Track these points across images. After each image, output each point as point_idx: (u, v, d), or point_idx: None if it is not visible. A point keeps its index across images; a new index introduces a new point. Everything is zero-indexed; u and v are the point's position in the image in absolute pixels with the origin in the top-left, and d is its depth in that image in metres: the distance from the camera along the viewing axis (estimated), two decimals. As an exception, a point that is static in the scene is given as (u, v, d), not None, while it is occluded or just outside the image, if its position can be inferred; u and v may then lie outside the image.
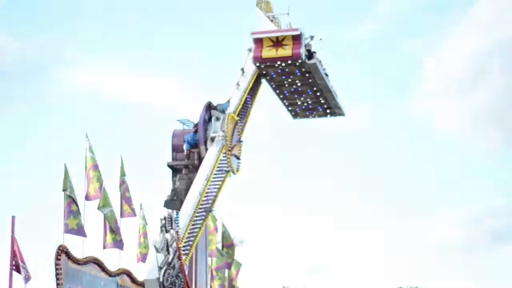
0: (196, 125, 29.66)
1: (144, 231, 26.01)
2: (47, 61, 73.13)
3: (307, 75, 32.07)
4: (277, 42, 30.97)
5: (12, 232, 7.30)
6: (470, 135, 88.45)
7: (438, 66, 78.26)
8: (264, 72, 31.85)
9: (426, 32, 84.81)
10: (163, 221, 23.05)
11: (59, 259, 20.34)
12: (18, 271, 9.18)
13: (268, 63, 31.24)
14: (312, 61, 31.43)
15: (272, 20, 32.70)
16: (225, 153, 29.05)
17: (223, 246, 34.11)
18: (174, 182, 28.90)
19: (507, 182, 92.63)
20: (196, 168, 28.95)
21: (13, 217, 9.17)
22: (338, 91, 34.38)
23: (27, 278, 7.75)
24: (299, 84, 32.78)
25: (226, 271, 34.42)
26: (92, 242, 23.76)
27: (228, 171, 29.47)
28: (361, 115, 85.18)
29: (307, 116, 36.20)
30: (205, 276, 28.99)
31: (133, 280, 24.79)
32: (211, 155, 28.58)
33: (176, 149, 29.57)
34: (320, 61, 32.21)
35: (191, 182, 28.61)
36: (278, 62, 31.05)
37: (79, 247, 22.39)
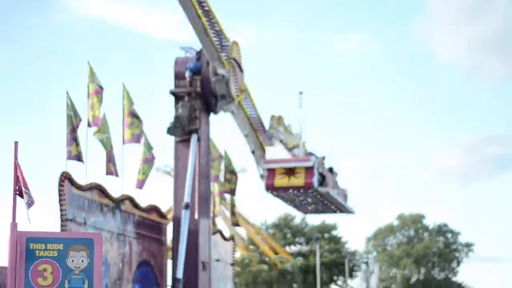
0: (198, 52, 29.54)
1: (145, 157, 26.00)
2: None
3: (318, 196, 33.33)
4: (290, 170, 31.84)
5: (15, 157, 7.29)
6: (471, 63, 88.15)
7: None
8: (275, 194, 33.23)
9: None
10: None
11: (63, 185, 20.51)
12: (22, 196, 9.19)
13: (280, 191, 32.53)
14: (324, 190, 32.41)
15: (285, 144, 33.03)
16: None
17: (226, 173, 34.25)
18: (176, 109, 28.93)
19: (508, 110, 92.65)
20: (198, 95, 28.96)
21: (16, 143, 9.15)
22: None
23: (29, 203, 7.77)
24: (309, 201, 34.22)
25: (229, 197, 34.64)
26: (95, 169, 23.86)
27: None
28: (363, 42, 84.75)
29: (316, 213, 38.32)
30: (208, 202, 29.28)
31: (136, 205, 24.97)
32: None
33: (178, 76, 29.50)
34: (335, 181, 34.15)
35: (194, 109, 28.69)
36: (290, 190, 32.21)
37: (82, 174, 22.51)
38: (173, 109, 29.05)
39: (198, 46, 29.51)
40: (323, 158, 33.10)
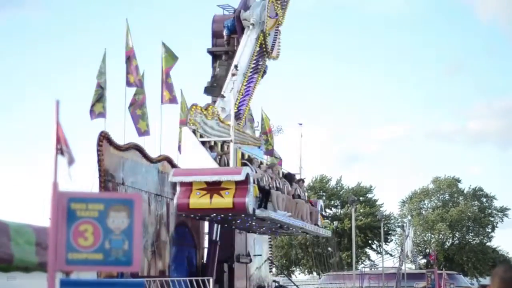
0: (235, 10, 29.14)
1: (183, 119, 25.82)
2: None
3: (262, 220, 24.05)
4: (213, 184, 21.62)
5: (57, 117, 7.20)
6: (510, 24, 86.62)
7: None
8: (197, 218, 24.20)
9: None
10: None
11: (101, 145, 20.37)
12: (63, 154, 9.26)
13: (199, 215, 23.08)
14: (264, 214, 22.82)
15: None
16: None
17: (261, 133, 33.93)
18: (214, 68, 28.63)
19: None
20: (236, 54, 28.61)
21: (57, 101, 9.11)
22: None
23: (70, 162, 7.72)
24: (253, 224, 25.08)
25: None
26: (133, 130, 23.70)
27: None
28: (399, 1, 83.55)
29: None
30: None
31: (174, 166, 24.80)
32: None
33: (216, 35, 29.16)
34: (296, 194, 25.74)
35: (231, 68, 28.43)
36: (213, 214, 22.83)
37: (121, 134, 22.37)
38: (211, 68, 28.78)
39: (235, 3, 29.13)
40: (272, 166, 25.79)
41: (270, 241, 34.55)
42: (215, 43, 29.19)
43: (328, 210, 75.45)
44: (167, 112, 25.82)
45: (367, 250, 75.96)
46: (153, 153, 23.67)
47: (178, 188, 21.83)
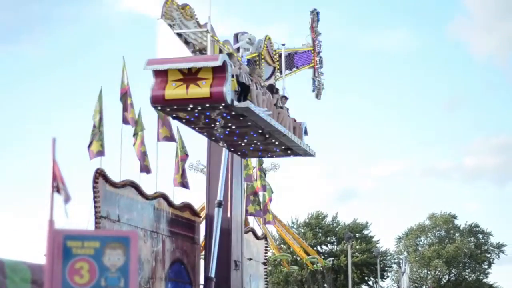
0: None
1: (181, 155, 25.96)
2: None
3: (241, 118, 21.33)
4: (189, 75, 19.88)
5: (53, 154, 7.23)
6: (507, 60, 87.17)
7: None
8: (173, 116, 21.42)
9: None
10: None
11: (97, 182, 20.46)
12: (59, 192, 9.25)
13: (174, 106, 20.40)
14: (243, 105, 20.42)
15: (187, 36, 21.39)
16: None
17: (257, 170, 34.06)
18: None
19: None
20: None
21: (53, 139, 9.11)
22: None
23: (66, 200, 7.75)
24: (233, 127, 22.29)
25: (261, 194, 34.43)
26: (129, 167, 23.83)
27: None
28: (395, 37, 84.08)
29: (262, 157, 28.25)
30: (240, 200, 29.07)
31: (170, 203, 24.88)
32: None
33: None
34: (278, 106, 23.29)
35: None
36: (190, 106, 20.24)
37: (116, 171, 22.48)
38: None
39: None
40: (254, 63, 24.29)
41: (266, 278, 34.51)
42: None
43: (324, 247, 75.31)
44: (162, 150, 25.93)
45: (363, 286, 75.76)
46: (149, 190, 23.76)
47: (153, 80, 19.82)
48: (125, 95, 23.94)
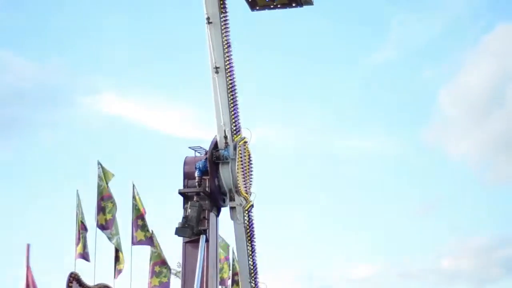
0: (207, 152, 29.62)
1: (156, 261, 25.94)
2: (63, 86, 73.45)
3: None
4: None
5: (27, 260, 7.26)
6: (483, 163, 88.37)
7: (452, 94, 78.38)
8: None
9: (441, 60, 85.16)
10: None
11: (71, 286, 20.37)
12: None
13: None
14: None
15: None
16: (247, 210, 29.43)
17: (233, 274, 34.01)
18: (185, 209, 28.84)
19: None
20: (207, 195, 28.90)
21: (28, 245, 9.15)
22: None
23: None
24: None
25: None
26: (104, 270, 23.74)
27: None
28: (372, 141, 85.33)
29: (268, 6, 29.75)
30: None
31: (144, 307, 24.73)
32: (240, 234, 29.41)
33: (187, 176, 29.52)
34: None
35: (203, 210, 28.60)
36: None
37: (90, 274, 22.39)
38: (182, 209, 29.02)
39: (207, 145, 29.66)
40: None
41: None
42: (187, 184, 29.48)
43: None
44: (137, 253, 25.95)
45: None
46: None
47: None
48: (102, 199, 24.06)
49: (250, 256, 29.17)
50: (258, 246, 34.50)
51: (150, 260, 26.65)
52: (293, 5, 28.68)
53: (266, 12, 29.38)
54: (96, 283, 22.09)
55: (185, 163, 29.86)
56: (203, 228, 28.60)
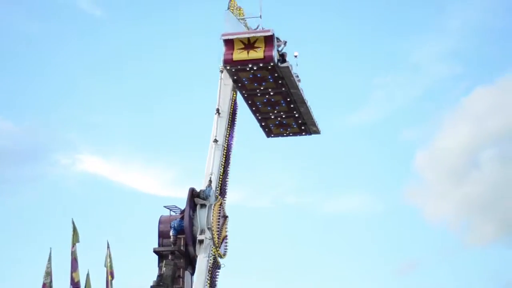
0: (182, 212, 29.81)
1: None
2: (41, 143, 73.46)
3: (280, 82, 30.84)
4: (249, 44, 29.87)
5: None
6: (462, 226, 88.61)
7: (430, 156, 78.87)
8: (235, 78, 30.81)
9: (420, 122, 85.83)
10: None
11: None
12: None
13: (239, 66, 30.09)
14: (284, 65, 30.26)
15: (244, 24, 31.48)
16: (214, 254, 29.21)
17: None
18: (160, 268, 28.93)
19: (500, 272, 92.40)
20: (182, 254, 29.02)
21: None
22: (313, 107, 33.47)
23: None
24: (272, 94, 31.50)
25: None
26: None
27: (219, 268, 29.69)
28: (351, 201, 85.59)
29: (282, 134, 34.69)
30: None
31: None
32: (202, 266, 28.81)
33: (162, 235, 29.66)
34: (292, 66, 31.09)
35: (178, 268, 28.70)
36: (250, 65, 29.99)
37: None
38: (157, 267, 29.08)
39: (182, 204, 29.86)
40: (285, 42, 30.78)
41: None
42: (162, 243, 29.62)
43: None
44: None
45: None
46: None
47: (223, 48, 29.91)
48: (75, 258, 24.15)
49: None
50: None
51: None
52: (303, 134, 34.35)
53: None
54: None
55: (160, 222, 30.07)
56: (178, 287, 28.70)
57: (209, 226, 29.25)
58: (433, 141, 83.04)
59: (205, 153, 30.16)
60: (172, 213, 30.29)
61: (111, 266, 25.69)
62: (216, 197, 30.08)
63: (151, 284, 28.46)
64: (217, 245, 29.46)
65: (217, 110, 31.11)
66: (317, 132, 34.25)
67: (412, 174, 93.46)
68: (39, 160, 73.13)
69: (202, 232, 29.28)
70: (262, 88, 31.12)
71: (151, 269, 29.18)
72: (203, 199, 29.67)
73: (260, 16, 30.85)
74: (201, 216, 29.48)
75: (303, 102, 32.23)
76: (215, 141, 30.72)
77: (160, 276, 28.64)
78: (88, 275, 24.52)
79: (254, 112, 32.83)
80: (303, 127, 33.91)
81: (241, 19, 31.33)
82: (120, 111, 76.09)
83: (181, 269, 28.77)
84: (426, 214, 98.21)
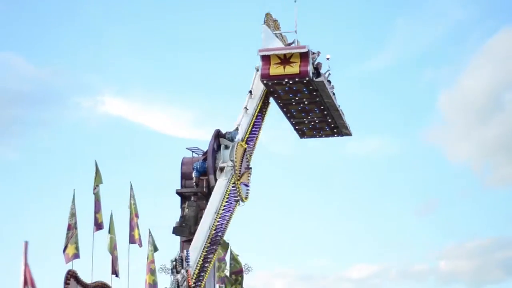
0: (205, 153, 29.94)
1: (152, 259, 26.23)
2: (63, 86, 73.49)
3: (314, 93, 32.04)
4: (285, 60, 30.80)
5: (25, 258, 7.43)
6: (482, 166, 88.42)
7: (454, 97, 78.29)
8: (271, 90, 31.90)
9: (444, 62, 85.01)
10: (174, 263, 23.48)
11: (68, 284, 20.65)
12: None
13: (275, 81, 31.15)
14: (319, 79, 31.30)
15: (280, 38, 32.54)
16: (234, 183, 29.23)
17: (231, 273, 34.21)
18: (182, 209, 29.15)
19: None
20: (204, 196, 29.19)
21: (26, 243, 9.26)
22: (346, 112, 34.52)
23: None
24: (306, 103, 32.74)
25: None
26: (101, 268, 24.04)
27: (237, 201, 29.70)
28: (373, 143, 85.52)
29: (314, 136, 36.14)
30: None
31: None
32: (221, 186, 28.74)
33: (185, 176, 29.84)
34: (328, 80, 32.26)
35: (200, 209, 28.87)
36: (286, 80, 30.99)
37: (88, 272, 22.69)
38: (179, 209, 29.31)
39: (204, 147, 29.97)
40: (318, 53, 31.99)
41: None
42: (184, 185, 29.82)
43: None
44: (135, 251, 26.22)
45: None
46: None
47: (261, 63, 30.97)
48: (97, 194, 24.38)
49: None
50: (256, 244, 34.44)
51: (147, 259, 26.93)
52: (335, 135, 35.69)
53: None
54: (93, 281, 22.38)
55: (182, 164, 30.24)
56: (200, 228, 28.93)
57: (232, 159, 29.41)
58: (457, 82, 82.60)
59: (226, 98, 30.37)
60: (195, 155, 30.45)
61: (135, 208, 25.90)
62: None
63: (174, 225, 28.76)
64: (238, 175, 29.59)
65: (250, 91, 32.05)
66: (348, 134, 35.76)
67: (435, 115, 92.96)
68: (61, 103, 73.20)
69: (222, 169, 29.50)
70: (297, 98, 32.45)
71: (173, 211, 29.44)
72: (229, 139, 29.85)
73: (296, 31, 32.01)
74: (225, 154, 29.69)
75: (336, 109, 33.55)
76: (250, 92, 31.98)
77: (182, 217, 28.87)
78: (111, 216, 24.73)
79: (288, 118, 34.29)
80: (335, 130, 35.34)
81: (277, 33, 32.49)
82: (142, 53, 76.02)
83: (203, 211, 28.94)
84: (448, 154, 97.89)
